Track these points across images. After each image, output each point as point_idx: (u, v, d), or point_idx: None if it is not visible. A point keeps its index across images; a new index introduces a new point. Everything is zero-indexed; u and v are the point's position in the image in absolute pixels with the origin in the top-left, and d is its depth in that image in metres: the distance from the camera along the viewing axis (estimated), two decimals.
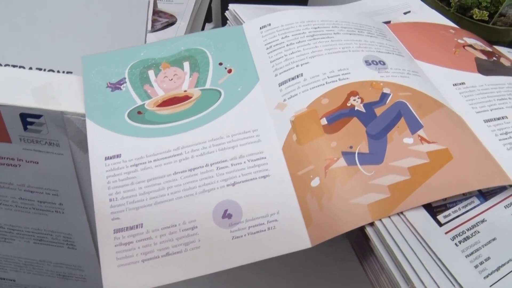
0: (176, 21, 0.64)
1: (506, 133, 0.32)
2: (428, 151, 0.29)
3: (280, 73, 0.35)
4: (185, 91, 0.35)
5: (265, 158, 0.32)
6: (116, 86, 0.35)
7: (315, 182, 0.30)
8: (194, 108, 0.34)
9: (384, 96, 0.32)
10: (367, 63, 0.35)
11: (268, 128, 0.33)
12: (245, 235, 0.30)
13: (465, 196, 0.30)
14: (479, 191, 0.29)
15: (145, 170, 0.32)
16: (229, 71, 0.36)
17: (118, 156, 0.32)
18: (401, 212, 0.27)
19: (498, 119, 0.33)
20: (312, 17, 0.38)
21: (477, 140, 0.31)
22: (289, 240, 0.29)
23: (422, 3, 0.49)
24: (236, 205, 0.31)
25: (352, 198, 0.28)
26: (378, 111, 0.31)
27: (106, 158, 0.32)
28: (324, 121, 0.31)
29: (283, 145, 0.32)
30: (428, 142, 0.30)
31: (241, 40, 0.37)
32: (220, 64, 0.36)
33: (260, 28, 0.37)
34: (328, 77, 0.33)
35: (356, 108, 0.31)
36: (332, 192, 0.29)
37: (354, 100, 0.32)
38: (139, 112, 0.34)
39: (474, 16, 0.50)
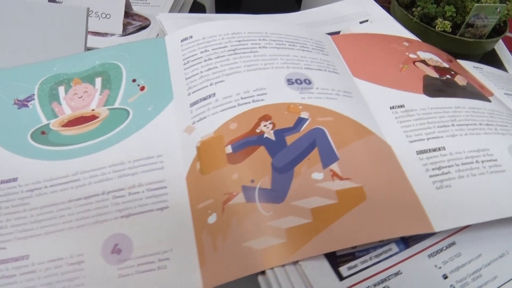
0: (149, 24, 0.62)
1: (439, 168, 0.28)
2: (338, 190, 0.25)
3: (193, 92, 0.31)
4: (92, 110, 0.32)
5: (166, 187, 0.29)
6: (23, 103, 0.33)
7: (212, 219, 0.27)
8: (99, 129, 0.31)
9: (300, 122, 0.29)
10: (289, 82, 0.31)
11: (174, 154, 0.30)
12: (132, 274, 0.27)
13: (382, 242, 0.26)
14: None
15: (39, 196, 0.29)
16: (142, 88, 0.33)
17: (14, 180, 0.30)
18: (297, 262, 0.24)
19: (434, 150, 0.29)
20: (239, 28, 0.34)
21: (402, 177, 0.27)
22: (179, 283, 0.26)
23: (383, 12, 0.45)
24: (127, 240, 0.28)
25: (246, 241, 0.25)
26: (290, 139, 0.28)
27: (1, 182, 0.30)
28: (229, 149, 0.28)
29: (187, 174, 0.29)
30: (340, 179, 0.26)
31: (161, 54, 0.34)
32: (134, 80, 0.33)
33: (181, 41, 0.34)
34: (241, 98, 0.30)
35: (265, 135, 0.28)
36: (227, 231, 0.26)
37: (265, 125, 0.28)
38: (42, 132, 0.32)
39: (436, 27, 0.45)
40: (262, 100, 0.30)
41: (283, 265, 0.24)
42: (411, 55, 0.38)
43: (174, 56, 0.34)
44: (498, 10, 0.44)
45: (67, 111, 0.32)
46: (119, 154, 0.30)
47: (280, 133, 0.28)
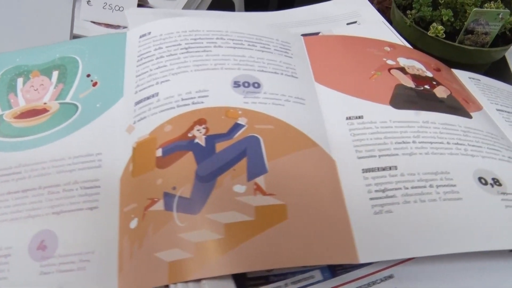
0: None
1: (383, 190, 0.24)
2: (258, 206, 0.23)
3: (139, 90, 0.30)
4: (45, 103, 0.32)
5: (99, 187, 0.28)
6: None
7: (133, 224, 0.26)
8: (47, 123, 0.31)
9: (235, 128, 0.26)
10: (236, 84, 0.29)
11: (113, 153, 0.29)
12: (53, 272, 0.26)
13: (305, 268, 0.23)
14: None
15: None
16: (94, 84, 0.32)
17: None
18: (201, 279, 0.22)
19: (383, 169, 0.26)
20: (199, 26, 0.33)
21: (338, 197, 0.24)
22: (95, 287, 0.26)
23: (376, 13, 0.41)
24: (54, 237, 0.27)
25: (157, 251, 0.23)
26: (220, 146, 0.26)
27: None
28: (159, 152, 0.27)
29: (121, 175, 0.28)
30: (263, 194, 0.24)
31: (119, 50, 0.33)
32: (88, 75, 0.33)
33: (140, 37, 0.33)
34: (182, 99, 0.28)
35: (195, 141, 0.26)
36: (143, 239, 0.24)
37: (198, 130, 0.27)
38: None
39: (429, 32, 0.41)
40: (202, 102, 0.28)
41: (186, 282, 0.22)
42: (389, 62, 0.34)
43: (131, 52, 0.33)
44: (500, 16, 0.39)
45: (21, 103, 0.32)
46: (60, 149, 0.30)
47: (212, 139, 0.26)
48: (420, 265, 0.23)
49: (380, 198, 0.24)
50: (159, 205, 0.25)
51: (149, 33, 0.33)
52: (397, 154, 0.26)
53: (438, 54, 0.45)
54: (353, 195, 0.24)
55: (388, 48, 0.36)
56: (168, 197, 0.25)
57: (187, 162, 0.25)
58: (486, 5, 0.41)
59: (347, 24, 0.41)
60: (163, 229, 0.24)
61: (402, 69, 0.34)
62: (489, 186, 0.25)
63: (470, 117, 0.31)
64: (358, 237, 0.22)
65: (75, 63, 0.34)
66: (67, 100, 0.32)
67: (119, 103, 0.31)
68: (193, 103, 0.28)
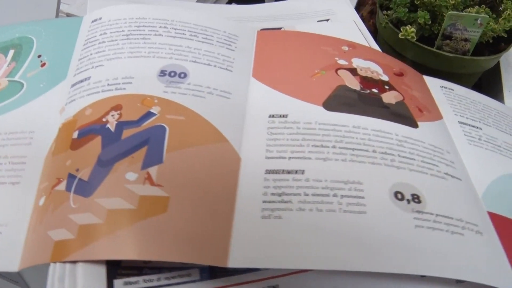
0: None
1: (280, 194, 0.22)
2: (142, 195, 0.23)
3: (77, 74, 0.31)
4: None
5: (25, 163, 0.29)
6: None
7: (41, 201, 0.26)
8: None
9: (145, 116, 0.26)
10: (162, 73, 0.28)
11: (45, 132, 0.30)
12: None
13: (184, 265, 0.22)
14: None
15: None
16: (43, 64, 0.33)
17: None
18: (76, 261, 0.22)
19: (289, 172, 0.24)
20: (146, 14, 0.32)
21: (228, 196, 0.23)
22: (2, 256, 0.26)
23: (353, 13, 0.39)
24: None
25: (50, 229, 0.24)
26: (127, 133, 0.25)
27: None
28: (75, 135, 0.27)
29: (46, 154, 0.29)
30: (151, 184, 0.23)
31: (73, 34, 0.34)
32: (39, 56, 0.33)
33: (92, 22, 0.34)
34: (108, 84, 0.28)
35: (107, 126, 0.26)
36: (44, 216, 0.25)
37: (112, 115, 0.26)
38: None
39: (400, 34, 0.37)
40: (124, 89, 0.28)
41: (64, 262, 0.22)
42: (341, 61, 0.32)
43: (81, 36, 0.34)
44: (478, 21, 0.35)
45: None
46: (0, 125, 0.31)
47: (121, 125, 0.26)
48: (310, 279, 0.22)
49: (274, 202, 0.22)
50: (62, 186, 0.25)
51: (100, 18, 0.34)
52: (310, 158, 0.24)
53: (417, 59, 0.41)
54: (246, 196, 0.23)
55: (346, 48, 0.34)
56: (70, 178, 0.25)
57: (94, 146, 0.26)
58: (467, 9, 0.38)
59: (318, 21, 0.39)
60: (59, 209, 0.24)
61: (353, 70, 0.31)
62: (404, 202, 0.23)
63: (416, 126, 0.29)
64: (236, 240, 0.21)
65: (30, 43, 0.35)
66: (16, 78, 0.33)
67: (60, 85, 0.32)
68: (116, 88, 0.28)
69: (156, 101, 0.27)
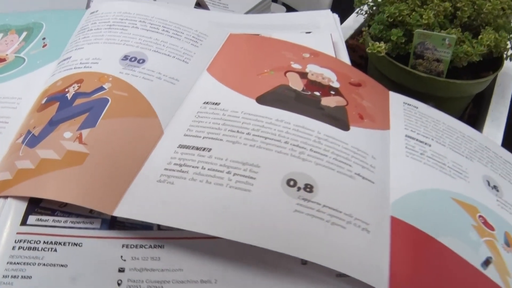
0: None
1: (181, 165, 0.25)
2: (70, 150, 0.26)
3: (64, 54, 0.36)
4: (6, 54, 0.40)
5: (7, 123, 0.33)
6: None
7: (6, 151, 0.31)
8: (2, 69, 0.39)
9: (97, 90, 0.30)
10: (125, 57, 0.32)
11: (28, 99, 0.35)
12: None
13: (91, 214, 0.25)
14: (114, 218, 0.24)
15: None
16: (44, 45, 0.39)
17: None
18: (7, 196, 0.25)
19: (197, 149, 0.26)
20: (132, 10, 0.37)
21: (139, 161, 0.25)
22: None
23: (334, 29, 0.40)
24: None
25: (1, 172, 0.28)
26: (78, 101, 0.29)
27: None
28: (44, 100, 0.31)
29: (28, 111, 0.33)
30: (80, 142, 0.26)
31: (75, 22, 0.40)
32: (44, 38, 0.39)
33: (90, 13, 0.39)
34: (80, 63, 0.33)
35: (66, 95, 0.30)
36: (3, 162, 0.29)
37: (73, 87, 0.31)
38: None
39: (367, 49, 0.37)
40: (91, 67, 0.32)
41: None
42: (295, 65, 0.34)
43: (80, 24, 0.39)
44: (446, 42, 0.34)
45: None
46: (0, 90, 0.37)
47: (76, 95, 0.30)
48: (195, 248, 0.23)
49: (173, 170, 0.25)
50: (20, 139, 0.29)
51: (97, 11, 0.39)
52: (221, 140, 0.26)
53: (394, 78, 0.42)
54: (153, 163, 0.25)
55: (307, 55, 0.36)
56: (27, 133, 0.29)
57: (52, 110, 0.30)
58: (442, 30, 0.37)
59: (300, 32, 0.41)
60: (12, 156, 0.28)
61: (304, 74, 0.33)
62: (294, 188, 0.24)
63: (346, 129, 0.29)
64: (128, 196, 0.24)
65: (40, 28, 0.41)
66: (21, 54, 0.39)
67: (53, 63, 0.37)
68: (84, 67, 0.32)
69: (110, 79, 0.31)
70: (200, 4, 0.58)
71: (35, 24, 0.42)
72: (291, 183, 0.24)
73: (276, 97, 0.30)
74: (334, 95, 0.32)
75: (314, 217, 0.23)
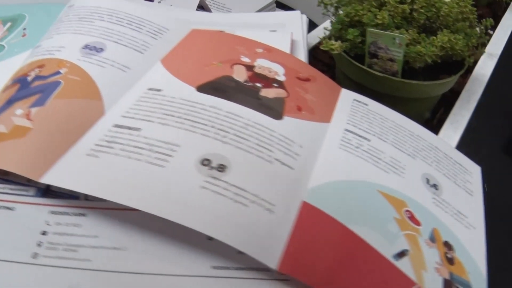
0: None
1: (109, 141, 0.27)
2: (17, 125, 0.28)
3: (37, 43, 0.39)
4: None
5: None
6: None
7: None
8: None
9: (54, 74, 0.32)
10: (85, 46, 0.35)
11: (2, 82, 0.38)
12: None
13: (29, 183, 0.27)
14: (48, 188, 0.27)
15: None
16: (23, 35, 0.42)
17: None
18: None
19: (129, 128, 0.28)
20: (102, 4, 0.40)
21: (75, 137, 0.27)
22: None
23: (296, 28, 0.42)
24: None
25: None
26: (36, 83, 0.32)
27: None
28: (10, 82, 0.34)
29: None
30: (27, 119, 0.29)
31: (55, 15, 0.43)
32: (24, 29, 0.43)
33: (68, 7, 0.42)
34: (47, 51, 0.36)
35: (28, 78, 0.33)
36: None
37: (35, 71, 0.33)
38: None
39: (321, 46, 0.38)
40: (54, 54, 0.35)
41: None
42: (244, 59, 0.35)
43: (58, 17, 0.42)
44: (397, 41, 0.34)
45: None
46: None
47: (35, 78, 0.32)
48: (114, 218, 0.25)
49: (102, 146, 0.27)
50: None
51: (73, 5, 0.42)
52: (152, 121, 0.28)
53: (353, 77, 0.43)
54: (87, 140, 0.28)
55: (260, 50, 0.37)
56: None
57: (13, 90, 0.33)
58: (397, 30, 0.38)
59: (266, 31, 0.43)
60: None
61: (251, 67, 0.35)
62: (207, 167, 0.26)
63: (279, 119, 0.30)
64: (58, 165, 0.26)
65: (23, 19, 0.44)
66: (3, 42, 0.43)
67: (28, 51, 0.40)
68: (49, 54, 0.35)
69: (68, 65, 0.33)
70: (203, 7, 0.61)
71: (19, 16, 0.45)
72: (205, 162, 0.26)
73: (216, 86, 0.32)
74: (277, 87, 0.34)
75: (218, 194, 0.24)
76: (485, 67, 0.52)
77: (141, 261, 0.24)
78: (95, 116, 0.30)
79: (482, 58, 0.54)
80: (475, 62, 0.55)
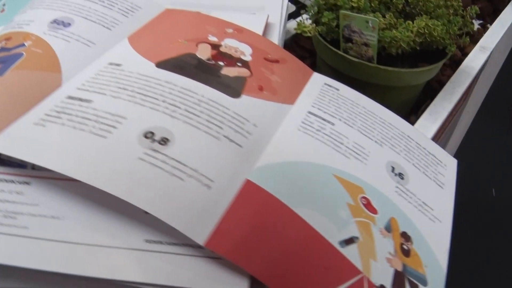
0: None
1: (58, 112, 0.27)
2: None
3: (12, 18, 0.39)
4: None
5: None
6: None
7: None
8: None
9: (18, 46, 0.32)
10: (54, 21, 0.35)
11: None
12: None
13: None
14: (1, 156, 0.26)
15: None
16: (2, 11, 0.43)
17: None
18: None
19: (80, 99, 0.28)
20: None
21: (25, 107, 0.27)
22: None
23: (274, 12, 0.41)
24: None
25: None
26: (1, 55, 0.32)
27: None
28: None
29: None
30: None
31: None
32: (4, 5, 0.43)
33: None
34: (17, 24, 0.36)
35: None
36: None
37: (1, 43, 0.33)
38: None
39: (294, 29, 0.36)
40: (22, 28, 0.35)
41: None
42: (212, 38, 0.35)
43: None
44: (370, 24, 0.33)
45: None
46: None
47: (0, 50, 0.33)
48: (52, 185, 0.25)
49: (51, 116, 0.27)
50: None
51: None
52: (104, 94, 0.28)
53: (329, 62, 0.42)
54: (39, 110, 0.27)
55: (230, 30, 0.36)
56: None
57: None
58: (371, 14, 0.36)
59: (246, 13, 0.42)
60: None
61: (217, 46, 0.34)
62: (149, 140, 0.25)
63: (237, 97, 0.30)
64: (6, 133, 0.26)
65: None
66: None
67: (4, 26, 0.41)
68: (18, 27, 0.35)
69: (33, 38, 0.33)
70: None
71: None
72: (148, 135, 0.26)
73: (176, 63, 0.31)
74: (240, 66, 0.33)
75: (155, 166, 0.24)
76: (475, 59, 0.50)
77: (77, 231, 0.24)
78: (52, 88, 0.30)
79: (474, 51, 0.52)
80: (467, 55, 0.53)
